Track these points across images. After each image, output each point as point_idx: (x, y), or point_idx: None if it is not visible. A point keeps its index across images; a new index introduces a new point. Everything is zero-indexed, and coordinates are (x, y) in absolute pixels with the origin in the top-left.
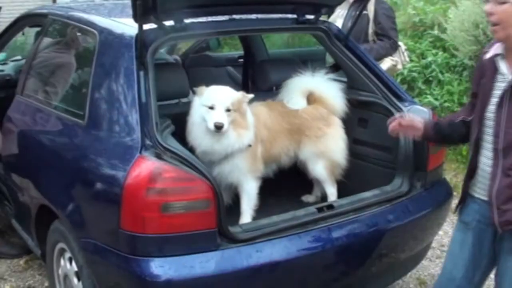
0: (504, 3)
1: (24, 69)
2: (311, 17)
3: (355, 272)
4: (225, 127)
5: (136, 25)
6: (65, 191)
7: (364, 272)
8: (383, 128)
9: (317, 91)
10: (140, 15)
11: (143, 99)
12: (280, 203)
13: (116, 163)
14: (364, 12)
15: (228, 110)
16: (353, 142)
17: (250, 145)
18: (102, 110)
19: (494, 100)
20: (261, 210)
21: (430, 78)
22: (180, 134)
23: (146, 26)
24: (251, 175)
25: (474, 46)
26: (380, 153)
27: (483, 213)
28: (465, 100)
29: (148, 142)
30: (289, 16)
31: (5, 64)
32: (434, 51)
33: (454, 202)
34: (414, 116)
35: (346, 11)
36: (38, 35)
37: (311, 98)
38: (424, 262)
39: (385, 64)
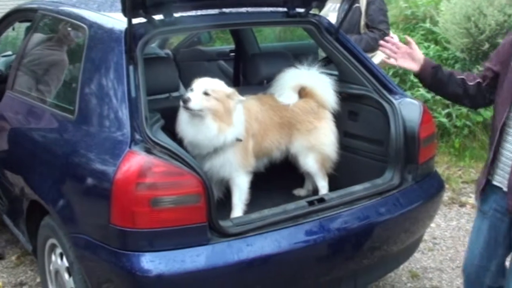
0: None
1: (14, 65)
2: (302, 10)
3: (347, 265)
4: (194, 105)
5: (125, 20)
6: (55, 186)
7: (355, 265)
8: (374, 121)
9: (308, 85)
10: (129, 10)
11: (133, 93)
12: (271, 197)
13: (106, 158)
14: (357, 4)
15: (206, 93)
16: (344, 135)
17: (240, 140)
18: (92, 105)
19: None
20: (252, 204)
21: None
22: (171, 128)
23: (135, 21)
24: (242, 169)
25: (466, 39)
26: (371, 146)
27: (500, 202)
28: None
29: (138, 136)
30: (280, 9)
31: None
32: (426, 44)
33: (447, 194)
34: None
35: (338, 5)
36: (28, 30)
37: (302, 92)
38: (416, 255)
39: (378, 58)
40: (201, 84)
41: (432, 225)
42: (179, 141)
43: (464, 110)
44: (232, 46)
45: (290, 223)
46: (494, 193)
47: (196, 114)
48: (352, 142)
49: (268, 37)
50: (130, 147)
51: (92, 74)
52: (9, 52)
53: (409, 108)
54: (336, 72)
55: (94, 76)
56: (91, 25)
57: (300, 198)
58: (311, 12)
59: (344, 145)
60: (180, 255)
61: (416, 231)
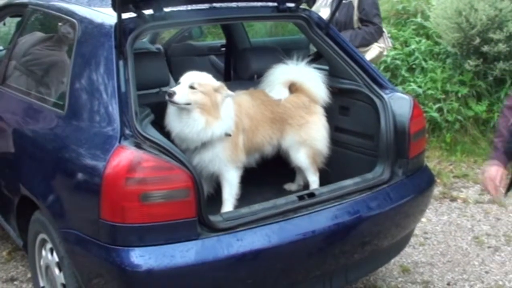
0: None
1: (4, 60)
2: (292, 5)
3: (337, 259)
4: (179, 98)
5: (115, 14)
6: (45, 181)
7: (346, 260)
8: (365, 116)
9: (298, 80)
10: (119, 4)
11: (123, 88)
12: (262, 192)
13: (96, 153)
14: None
15: (192, 87)
16: (335, 130)
17: (229, 135)
18: (82, 100)
19: None
20: (243, 199)
21: (414, 66)
22: (161, 123)
23: (125, 15)
24: (232, 164)
25: (457, 34)
26: (362, 141)
27: None
28: (449, 87)
29: (127, 131)
30: (270, 4)
31: None
32: (417, 38)
33: (438, 189)
34: (491, 170)
35: (330, 0)
36: (19, 25)
37: (293, 87)
38: (408, 249)
39: (373, 52)
40: (188, 77)
41: (423, 219)
42: (167, 135)
43: (455, 104)
44: (223, 41)
45: (280, 218)
46: None
47: (183, 108)
48: (342, 137)
49: (259, 32)
50: (120, 142)
51: (82, 69)
52: (0, 47)
53: (399, 102)
54: (326, 67)
55: (84, 71)
56: (81, 20)
57: (291, 192)
58: (302, 6)
59: (335, 140)
60: (170, 250)
61: (406, 226)
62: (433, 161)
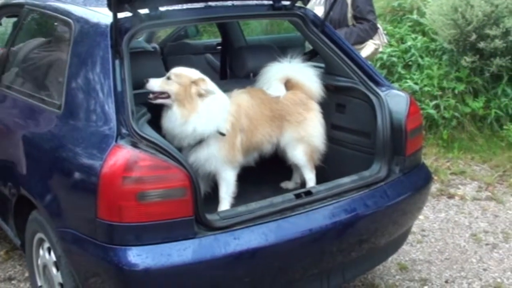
0: None
1: (1, 60)
2: (287, 3)
3: (335, 258)
4: (152, 86)
5: (111, 14)
6: (42, 181)
7: (343, 258)
8: (361, 113)
9: (294, 77)
10: (114, 4)
11: (119, 87)
12: (259, 190)
13: (93, 152)
14: None
15: (168, 78)
16: (331, 128)
17: (223, 134)
18: (78, 99)
19: None
20: (240, 197)
21: (410, 63)
22: (157, 122)
23: (121, 15)
24: (228, 165)
25: (453, 30)
26: (358, 138)
27: None
28: (445, 84)
29: (124, 130)
30: (265, 2)
31: None
32: (413, 35)
33: (435, 186)
34: None
35: None
36: (15, 25)
37: (288, 84)
38: (405, 247)
39: (369, 48)
40: (171, 71)
41: (421, 217)
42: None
43: (452, 101)
44: (219, 40)
45: (277, 216)
46: None
47: (167, 104)
48: (339, 134)
49: (255, 30)
50: (116, 141)
51: (78, 68)
52: None
53: (396, 100)
54: (322, 65)
55: (80, 71)
56: (77, 19)
57: (287, 191)
58: (297, 4)
59: (331, 137)
60: (167, 249)
61: (404, 223)
62: (430, 158)
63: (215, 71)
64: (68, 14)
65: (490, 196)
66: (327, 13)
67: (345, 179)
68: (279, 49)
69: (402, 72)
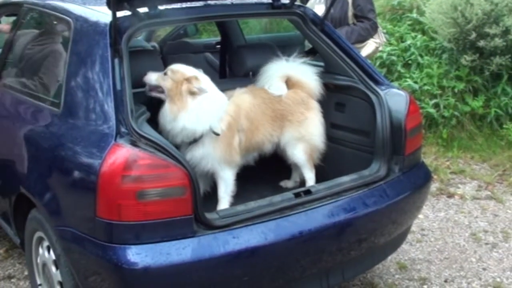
0: None
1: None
2: (287, 1)
3: (334, 257)
4: (148, 79)
5: (110, 13)
6: (42, 179)
7: (343, 257)
8: (360, 112)
9: (294, 75)
10: (113, 2)
11: (118, 86)
12: (258, 189)
13: (92, 151)
14: None
15: (165, 73)
16: (331, 127)
17: (217, 134)
18: (77, 98)
19: None
20: (239, 196)
21: (410, 62)
22: (156, 121)
23: (120, 14)
24: (225, 164)
25: (453, 29)
26: (358, 137)
27: None
28: (445, 83)
29: (123, 129)
30: (264, 1)
31: None
32: (413, 34)
33: (435, 185)
34: None
35: None
36: (14, 24)
37: (289, 83)
38: (404, 246)
39: (369, 47)
40: (170, 66)
41: (420, 216)
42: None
43: (452, 100)
44: (218, 38)
45: (276, 215)
46: None
47: (161, 97)
48: (339, 133)
49: (254, 29)
50: (115, 140)
51: (77, 67)
52: None
53: (395, 98)
54: (322, 63)
55: (79, 70)
56: (76, 18)
57: (287, 190)
58: (296, 3)
59: (331, 136)
60: (166, 248)
61: (403, 223)
62: (429, 157)
63: (214, 70)
64: (67, 12)
65: (489, 195)
66: (327, 12)
67: (345, 178)
68: (279, 48)
69: (402, 71)
